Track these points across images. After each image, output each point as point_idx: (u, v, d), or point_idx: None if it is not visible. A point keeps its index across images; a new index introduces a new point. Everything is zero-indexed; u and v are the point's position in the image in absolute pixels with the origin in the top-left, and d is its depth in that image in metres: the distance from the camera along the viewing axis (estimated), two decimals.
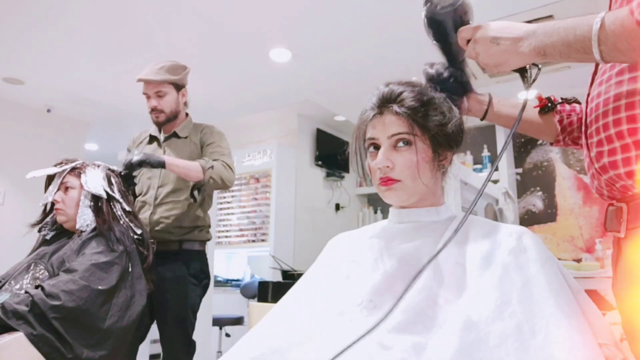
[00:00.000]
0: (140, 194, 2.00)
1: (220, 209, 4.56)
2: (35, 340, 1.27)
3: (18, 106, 3.92)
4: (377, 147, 0.90)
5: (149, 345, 2.92)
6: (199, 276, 1.97)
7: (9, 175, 3.71)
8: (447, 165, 0.94)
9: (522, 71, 0.83)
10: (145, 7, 2.60)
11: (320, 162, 4.61)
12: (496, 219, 3.07)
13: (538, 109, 1.02)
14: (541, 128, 1.02)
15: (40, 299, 1.32)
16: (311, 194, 4.54)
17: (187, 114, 2.12)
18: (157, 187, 1.96)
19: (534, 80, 0.83)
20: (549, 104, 1.00)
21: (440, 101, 0.90)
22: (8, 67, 3.32)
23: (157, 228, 1.91)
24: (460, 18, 0.85)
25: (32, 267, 1.51)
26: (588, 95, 0.81)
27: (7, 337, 1.26)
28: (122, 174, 1.75)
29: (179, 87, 2.02)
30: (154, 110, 1.98)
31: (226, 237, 4.55)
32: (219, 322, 3.50)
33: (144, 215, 1.93)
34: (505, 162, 4.08)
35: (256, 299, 2.78)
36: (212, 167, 1.86)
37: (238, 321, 3.63)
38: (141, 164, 1.74)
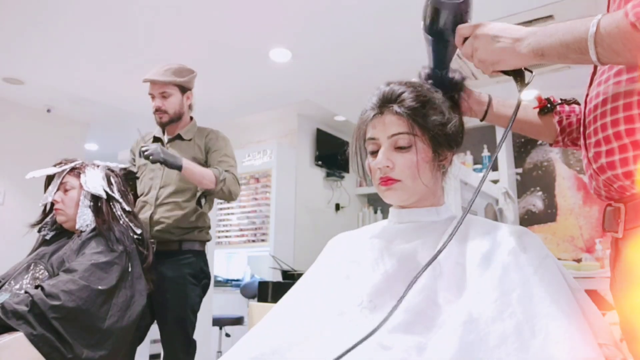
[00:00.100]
0: (142, 194, 2.01)
1: (220, 209, 4.56)
2: (35, 340, 1.28)
3: (18, 106, 3.93)
4: (377, 147, 0.90)
5: (149, 346, 2.92)
6: (199, 276, 1.98)
7: (9, 175, 3.71)
8: (447, 165, 0.94)
9: (516, 74, 0.84)
10: (145, 7, 2.61)
11: (320, 162, 4.61)
12: (496, 219, 3.08)
13: (537, 109, 1.02)
14: (541, 129, 1.02)
15: (40, 299, 1.32)
16: (311, 194, 4.54)
17: (191, 118, 2.13)
18: (159, 187, 1.97)
19: (527, 84, 0.83)
20: (549, 105, 1.01)
21: (440, 101, 0.90)
22: (8, 67, 3.32)
23: (157, 228, 1.91)
24: (462, 15, 0.85)
25: (31, 267, 1.51)
26: (586, 95, 0.81)
27: (7, 337, 1.26)
28: (128, 169, 1.76)
29: (184, 89, 2.03)
30: (157, 110, 1.99)
31: (226, 237, 4.55)
32: (219, 322, 3.51)
33: (145, 215, 1.94)
34: (505, 162, 4.08)
35: (256, 299, 2.78)
36: (224, 179, 1.93)
37: (238, 321, 3.63)
38: (160, 162, 1.75)
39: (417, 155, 0.87)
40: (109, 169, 1.73)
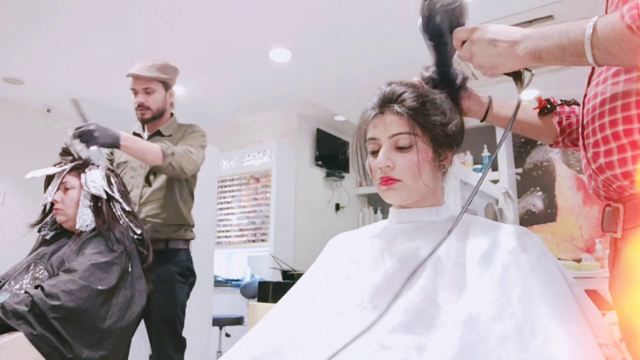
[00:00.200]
0: None
1: (220, 209, 4.57)
2: (35, 340, 1.28)
3: (18, 106, 3.92)
4: (377, 147, 0.90)
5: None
6: (186, 274, 1.98)
7: (9, 175, 3.71)
8: (448, 165, 0.94)
9: (515, 75, 0.84)
10: (145, 7, 2.61)
11: (320, 162, 4.61)
12: (496, 219, 3.08)
13: (537, 110, 1.02)
14: (541, 130, 1.03)
15: (40, 299, 1.32)
16: (311, 194, 4.54)
17: (172, 114, 2.12)
18: (142, 186, 1.97)
19: (526, 85, 0.84)
20: (548, 106, 1.01)
21: (440, 101, 0.91)
22: (8, 67, 3.32)
23: (144, 227, 1.91)
24: (457, 19, 0.85)
25: (31, 267, 1.51)
26: (584, 96, 0.82)
27: (7, 337, 1.26)
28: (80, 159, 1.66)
29: (167, 86, 2.03)
30: (140, 106, 1.98)
31: (226, 237, 4.55)
32: (219, 322, 3.50)
33: None
34: (505, 162, 4.08)
35: (256, 299, 2.78)
36: (172, 153, 1.78)
37: (238, 321, 3.63)
38: (98, 144, 1.62)
39: (418, 155, 0.87)
40: (109, 169, 1.73)
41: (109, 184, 1.67)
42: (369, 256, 0.89)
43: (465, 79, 0.98)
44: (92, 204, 1.61)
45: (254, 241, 4.33)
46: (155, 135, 2.05)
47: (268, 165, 4.36)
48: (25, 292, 1.36)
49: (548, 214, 4.04)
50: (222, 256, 4.66)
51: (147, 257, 1.66)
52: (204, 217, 2.69)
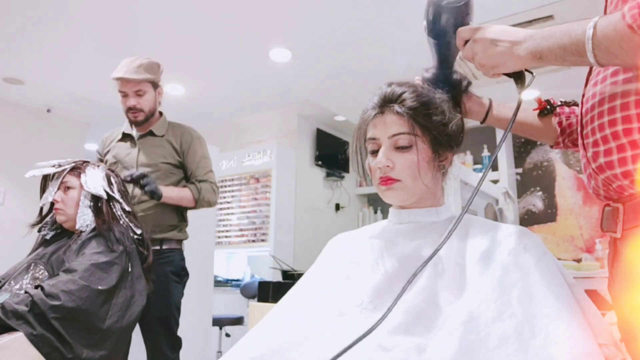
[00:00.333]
0: None
1: (220, 209, 4.57)
2: (35, 340, 1.27)
3: (18, 106, 3.92)
4: (377, 147, 0.90)
5: None
6: (180, 274, 2.00)
7: (9, 175, 3.71)
8: (448, 165, 0.94)
9: (516, 76, 0.84)
10: (145, 7, 2.61)
11: (320, 162, 4.61)
12: (496, 219, 3.08)
13: (537, 111, 1.02)
14: (541, 131, 1.03)
15: (40, 299, 1.32)
16: (311, 194, 4.54)
17: (160, 113, 2.11)
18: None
19: (527, 86, 0.84)
20: (548, 107, 1.01)
21: (441, 101, 0.91)
22: (8, 67, 3.32)
23: (144, 227, 1.91)
24: (462, 18, 0.85)
25: (31, 267, 1.51)
26: (583, 95, 0.82)
27: (7, 337, 1.26)
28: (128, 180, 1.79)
29: (156, 85, 2.02)
30: (132, 109, 1.96)
31: (226, 237, 4.55)
32: (219, 322, 3.51)
33: None
34: (505, 162, 4.08)
35: (256, 299, 2.78)
36: (200, 190, 1.99)
37: (238, 321, 3.63)
38: (151, 192, 1.81)
39: (418, 155, 0.87)
40: (109, 169, 1.73)
41: (109, 184, 1.67)
42: (368, 256, 0.89)
43: (468, 83, 0.98)
44: (92, 204, 1.61)
45: (254, 241, 4.33)
46: (147, 135, 2.04)
47: (268, 165, 4.36)
48: (25, 292, 1.35)
49: (548, 214, 4.04)
50: (222, 256, 4.67)
51: (147, 257, 1.66)
52: (204, 217, 2.69)
